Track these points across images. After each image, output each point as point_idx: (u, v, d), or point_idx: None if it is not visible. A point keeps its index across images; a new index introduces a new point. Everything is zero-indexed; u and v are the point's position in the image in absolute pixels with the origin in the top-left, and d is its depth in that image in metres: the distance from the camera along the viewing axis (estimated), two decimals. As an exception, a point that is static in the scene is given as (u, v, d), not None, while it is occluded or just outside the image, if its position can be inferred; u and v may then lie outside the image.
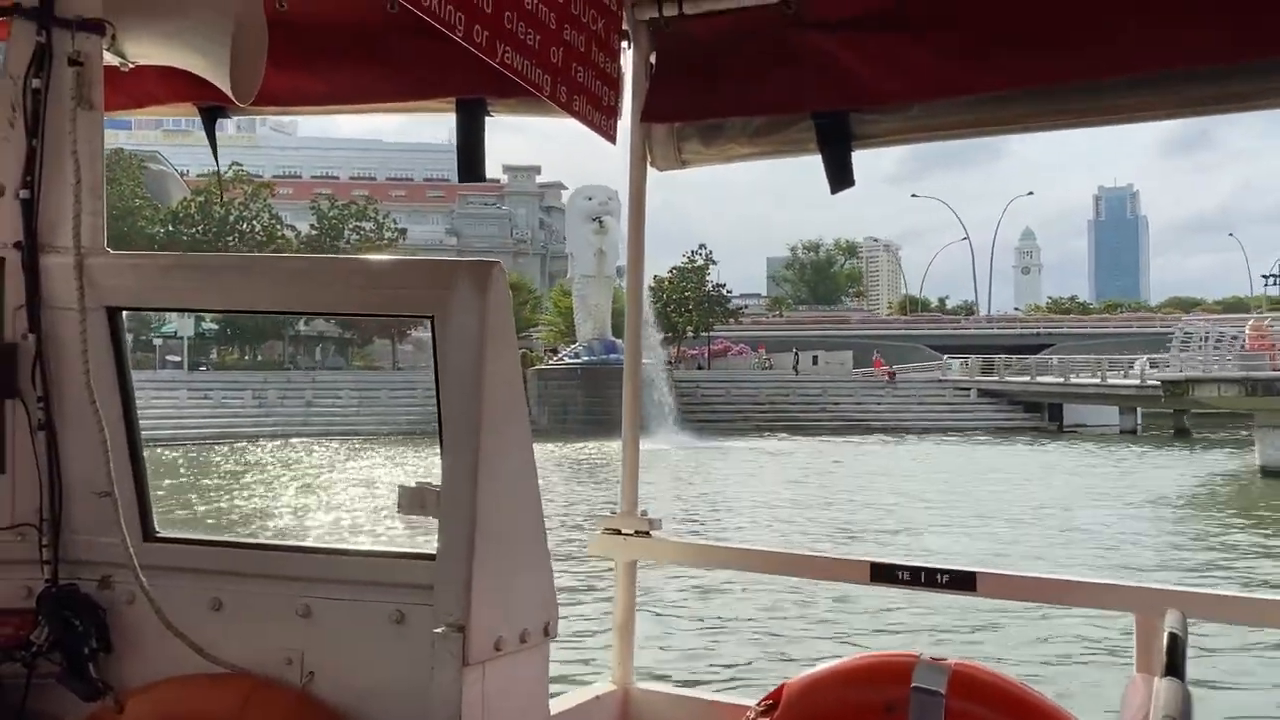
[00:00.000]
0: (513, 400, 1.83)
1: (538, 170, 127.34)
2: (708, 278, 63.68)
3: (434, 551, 1.77)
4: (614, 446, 37.55)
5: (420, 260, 1.84)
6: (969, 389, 51.26)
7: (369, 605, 1.86)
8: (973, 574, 2.07)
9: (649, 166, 2.31)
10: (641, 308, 2.41)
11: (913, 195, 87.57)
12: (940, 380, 53.10)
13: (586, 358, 46.76)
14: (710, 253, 64.34)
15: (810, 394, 51.40)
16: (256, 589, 1.91)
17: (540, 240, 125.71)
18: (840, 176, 2.08)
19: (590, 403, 44.73)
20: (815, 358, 60.02)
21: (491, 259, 1.84)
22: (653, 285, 67.87)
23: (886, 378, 54.17)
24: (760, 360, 62.29)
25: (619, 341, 47.45)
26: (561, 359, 48.58)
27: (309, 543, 2.04)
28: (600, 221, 47.92)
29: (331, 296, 1.89)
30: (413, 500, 1.80)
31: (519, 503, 1.85)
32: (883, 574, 2.16)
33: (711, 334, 62.81)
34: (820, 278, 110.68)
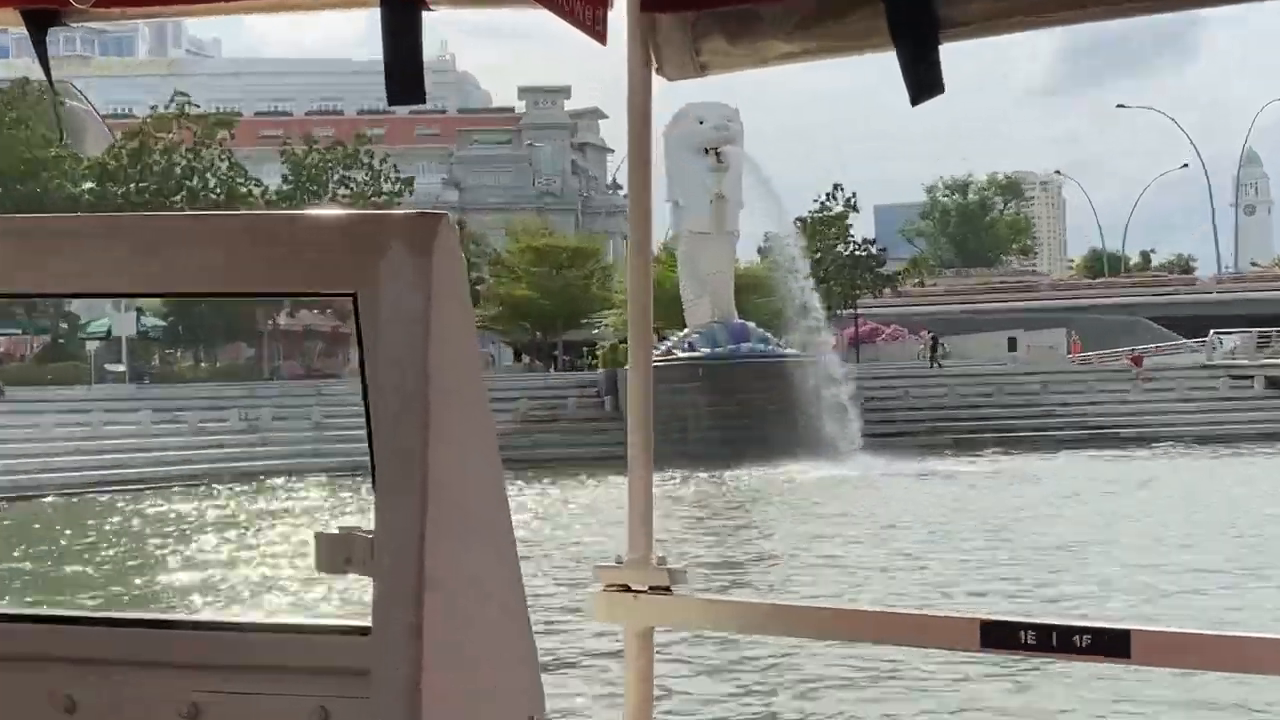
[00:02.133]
0: (471, 410, 1.88)
1: (566, 94, 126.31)
2: (850, 231, 62.66)
3: (369, 624, 1.79)
4: (780, 474, 37.11)
5: (336, 215, 1.87)
6: (1251, 377, 49.27)
7: (281, 701, 1.90)
8: (1125, 633, 2.15)
9: (653, 75, 2.37)
10: (650, 278, 2.43)
11: (1120, 106, 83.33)
12: (1206, 366, 51.17)
13: (706, 349, 45.28)
14: (854, 197, 63.09)
15: (1025, 392, 49.69)
16: (125, 681, 1.94)
17: (574, 188, 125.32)
18: (924, 80, 2.06)
19: (718, 412, 43.41)
20: (1013, 340, 58.46)
21: (438, 210, 1.85)
22: (762, 246, 66.85)
23: (1131, 365, 52.31)
24: (924, 347, 60.77)
25: (751, 325, 46.20)
26: (670, 352, 46.95)
27: (198, 615, 1.86)
28: (718, 154, 46.29)
29: (210, 270, 1.89)
30: (334, 552, 1.80)
31: (485, 551, 1.88)
32: (999, 636, 2.24)
33: (857, 310, 61.58)
34: (971, 229, 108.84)
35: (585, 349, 65.37)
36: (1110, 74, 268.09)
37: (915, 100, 2.08)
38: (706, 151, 46.74)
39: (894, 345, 63.19)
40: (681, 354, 46.34)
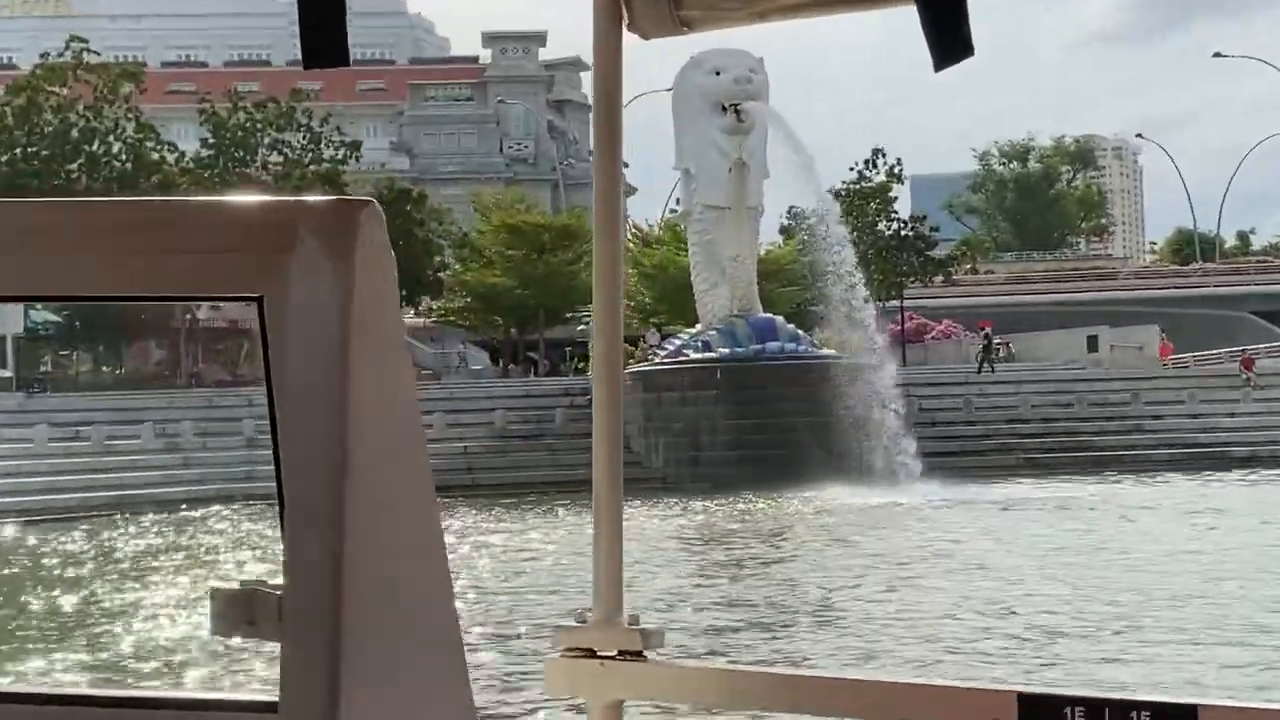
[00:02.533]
0: (401, 438, 1.93)
1: (540, 41, 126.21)
2: (894, 205, 62.62)
3: (275, 698, 1.83)
4: (817, 501, 36.94)
5: (237, 203, 1.91)
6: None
7: None
8: (1192, 708, 2.20)
9: (624, 31, 2.42)
10: (620, 272, 2.48)
11: (1216, 55, 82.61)
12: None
13: (725, 349, 45.10)
14: (898, 165, 62.97)
15: (1112, 402, 49.58)
16: None
17: (551, 155, 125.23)
18: (950, 40, 2.09)
19: (739, 426, 43.28)
20: (1093, 339, 58.39)
21: (361, 196, 1.91)
22: (785, 223, 66.83)
23: (1241, 369, 52.21)
24: (987, 348, 60.65)
25: (779, 320, 46.06)
26: (681, 352, 46.76)
27: (73, 689, 2.08)
28: (738, 112, 46.03)
29: (79, 270, 1.93)
30: (233, 611, 1.84)
31: (417, 607, 1.93)
32: (1040, 713, 2.28)
33: (903, 302, 61.50)
34: (1032, 204, 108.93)
35: (569, 349, 65.26)
36: (1200, 13, 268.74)
37: (939, 65, 2.13)
38: (724, 109, 46.44)
39: (946, 345, 63.03)
40: (694, 355, 46.15)
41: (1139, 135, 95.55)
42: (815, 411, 43.13)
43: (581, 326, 67.47)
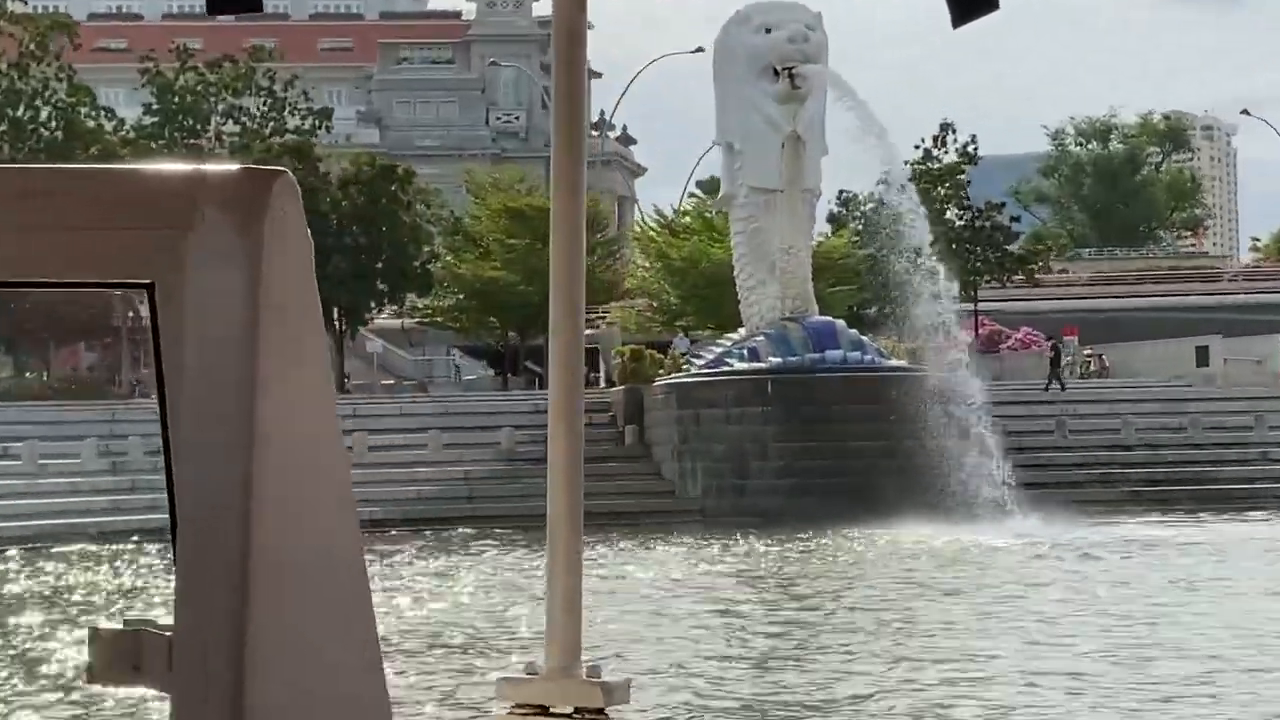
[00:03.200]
0: (317, 451, 1.97)
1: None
2: (965, 186, 62.35)
3: None
4: (890, 539, 36.52)
5: (127, 172, 1.94)
6: None
7: None
8: None
9: None
10: (582, 266, 2.61)
11: None
12: None
13: (776, 358, 44.77)
14: (972, 143, 62.69)
15: (1232, 426, 49.23)
16: None
17: (546, 128, 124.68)
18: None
19: (794, 449, 43.15)
20: (1203, 351, 58.08)
21: (274, 167, 1.97)
22: (834, 210, 66.50)
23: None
24: (1074, 357, 60.50)
25: (840, 324, 45.83)
26: (722, 361, 46.44)
27: None
28: (791, 77, 45.66)
29: None
30: (117, 656, 1.91)
31: (336, 652, 1.96)
32: None
33: (977, 305, 61.34)
34: (1114, 191, 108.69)
35: (546, 356, 64.49)
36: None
37: (959, 20, 2.23)
38: (776, 73, 46.09)
39: (1025, 357, 62.71)
40: (739, 364, 45.79)
41: (1244, 112, 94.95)
42: (885, 433, 42.79)
43: (595, 329, 67.21)
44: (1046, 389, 54.00)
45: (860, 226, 62.38)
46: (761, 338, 46.32)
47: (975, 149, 62.46)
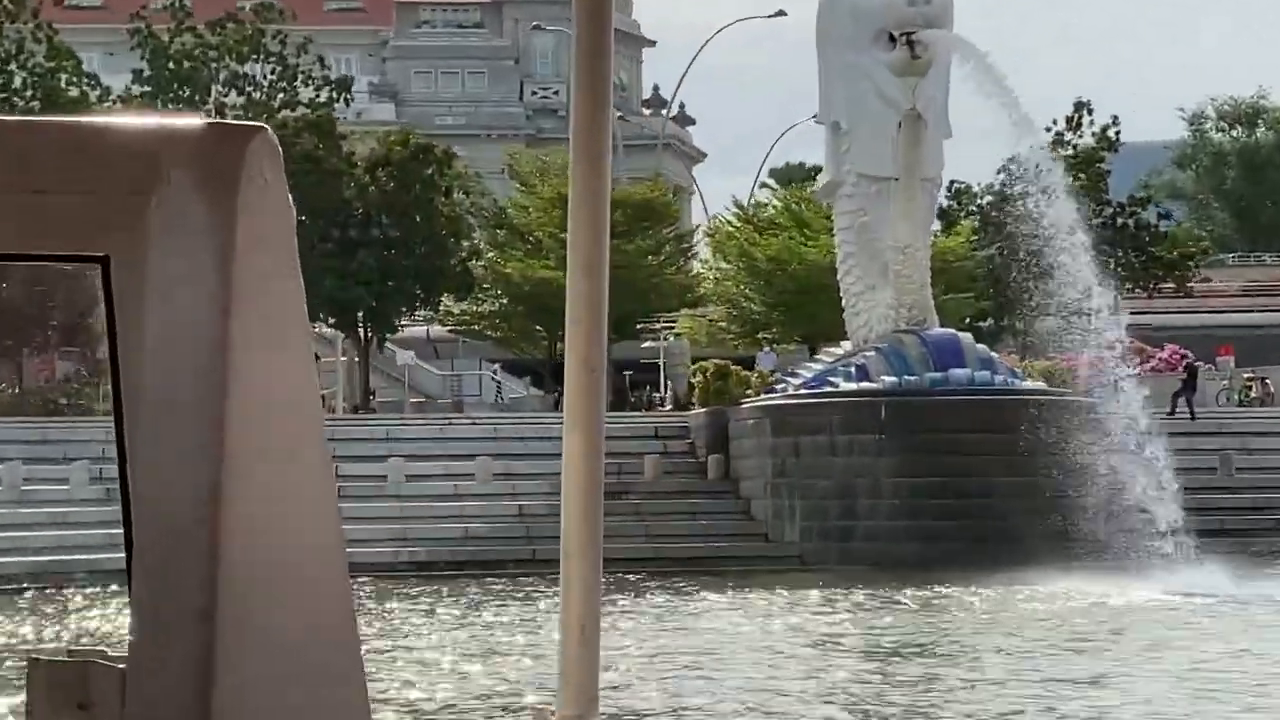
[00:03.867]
0: (299, 447, 2.03)
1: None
2: (1105, 176, 62.11)
3: None
4: (1040, 594, 36.16)
5: (76, 125, 2.01)
6: None
7: None
8: None
9: None
10: (605, 271, 2.72)
11: None
12: None
13: (890, 377, 44.58)
14: (1114, 125, 62.39)
15: None
16: None
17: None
18: None
19: (914, 485, 43.02)
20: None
21: (252, 123, 2.05)
22: (946, 201, 65.99)
23: None
24: (1231, 380, 60.03)
25: (966, 338, 45.62)
26: (826, 380, 46.19)
27: None
28: (910, 44, 45.36)
29: None
30: (58, 691, 1.96)
31: (319, 687, 2.04)
32: None
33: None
34: (1262, 187, 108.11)
35: (628, 374, 64.65)
36: None
37: None
38: (892, 39, 45.79)
39: (1172, 380, 62.18)
40: (846, 385, 45.49)
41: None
42: (1020, 467, 42.50)
43: (654, 342, 67.04)
44: (1171, 414, 53.61)
45: (976, 224, 62.04)
46: (872, 353, 46.02)
47: (1118, 133, 62.17)
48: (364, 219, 58.67)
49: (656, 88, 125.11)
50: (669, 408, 62.87)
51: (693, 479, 48.17)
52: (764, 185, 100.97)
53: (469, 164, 76.10)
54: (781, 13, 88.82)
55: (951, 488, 42.89)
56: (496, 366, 69.36)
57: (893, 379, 44.99)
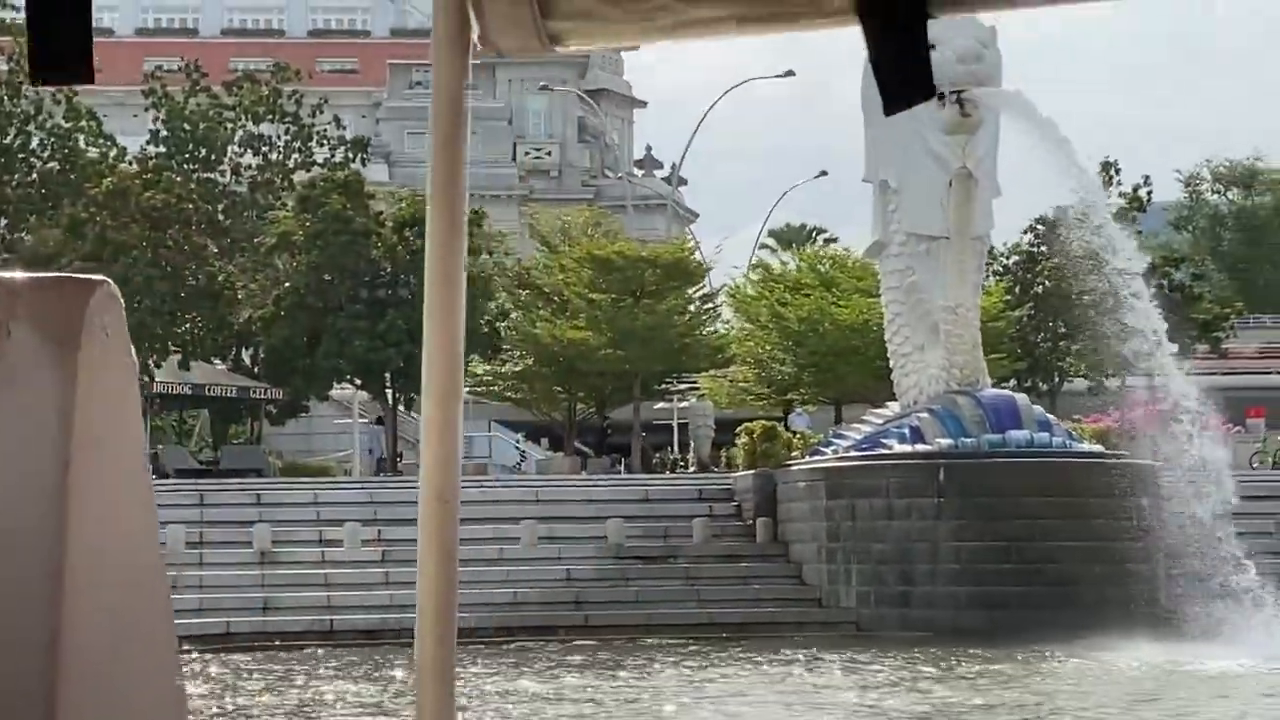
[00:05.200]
0: (139, 599, 2.05)
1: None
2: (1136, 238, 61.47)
3: None
4: (1108, 662, 35.38)
5: None
6: None
7: None
8: None
9: (473, 43, 2.65)
10: (459, 332, 2.61)
11: None
12: None
13: (945, 439, 43.75)
14: (1145, 184, 61.84)
15: None
16: None
17: (583, 166, 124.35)
18: (905, 75, 2.35)
19: (974, 550, 42.28)
20: None
21: (94, 276, 2.07)
22: (1002, 265, 65.70)
23: None
24: (1265, 443, 59.53)
25: (1022, 399, 44.92)
26: (879, 443, 45.41)
27: None
28: (962, 103, 44.64)
29: None
30: None
31: None
32: None
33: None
34: (1260, 249, 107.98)
35: (622, 433, 63.89)
36: None
37: (891, 108, 2.36)
38: (942, 97, 45.00)
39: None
40: (900, 446, 44.64)
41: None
42: (1086, 531, 41.70)
43: (671, 402, 66.19)
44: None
45: (1008, 283, 61.50)
46: (925, 414, 45.09)
47: (1149, 192, 61.71)
48: (393, 279, 57.79)
49: (649, 148, 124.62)
50: (692, 470, 62.11)
51: (741, 542, 47.25)
52: (764, 245, 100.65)
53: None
54: (790, 73, 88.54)
55: (1014, 552, 42.03)
56: (520, 436, 68.51)
57: (948, 441, 44.07)
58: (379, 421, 64.80)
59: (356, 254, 56.52)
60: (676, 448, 68.41)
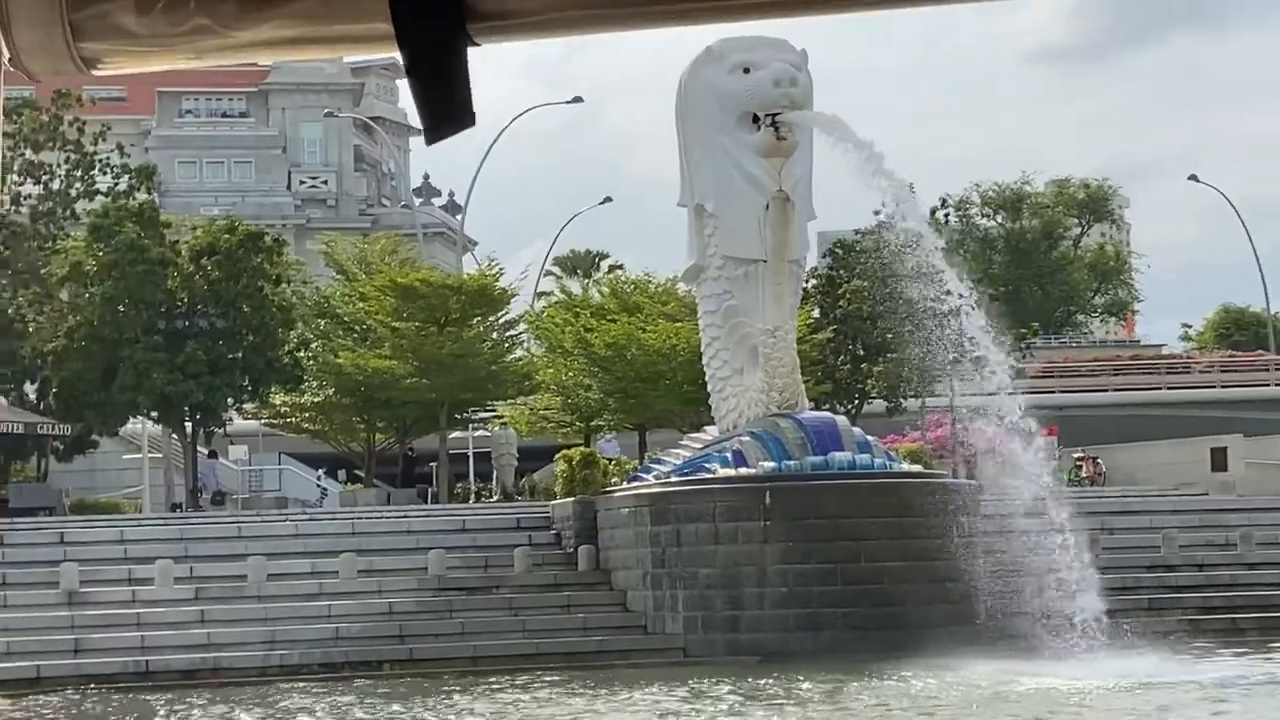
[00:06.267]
0: None
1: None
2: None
3: None
4: (940, 678, 35.47)
5: None
6: None
7: None
8: None
9: (2, 70, 2.76)
10: None
11: None
12: None
13: (769, 462, 43.60)
14: (943, 207, 62.35)
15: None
16: None
17: (361, 194, 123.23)
18: (449, 105, 2.48)
19: (803, 572, 42.21)
20: (1220, 453, 58.21)
21: None
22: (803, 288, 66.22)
23: None
24: (1059, 461, 60.28)
25: (843, 421, 45.04)
26: (701, 467, 45.17)
27: None
28: (777, 126, 44.68)
29: None
30: None
31: None
32: None
33: (927, 399, 61.53)
34: (1029, 271, 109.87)
35: (431, 465, 63.21)
36: (1176, 24, 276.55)
37: (431, 137, 2.46)
38: (756, 120, 45.03)
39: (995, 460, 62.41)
40: (724, 470, 44.37)
41: (1192, 178, 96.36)
42: (910, 552, 41.87)
43: (456, 433, 65.53)
44: None
45: (808, 307, 61.81)
46: (747, 437, 44.77)
47: (947, 215, 62.32)
48: (190, 309, 56.55)
49: (427, 176, 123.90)
50: (496, 498, 61.54)
51: (563, 571, 46.73)
52: (549, 272, 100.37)
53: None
54: (578, 99, 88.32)
55: (840, 574, 41.93)
56: (320, 472, 67.38)
57: (772, 464, 43.83)
58: (212, 455, 63.41)
59: (153, 284, 55.17)
60: (473, 476, 67.77)
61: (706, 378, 47.60)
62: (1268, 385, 79.89)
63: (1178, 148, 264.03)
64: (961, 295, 43.70)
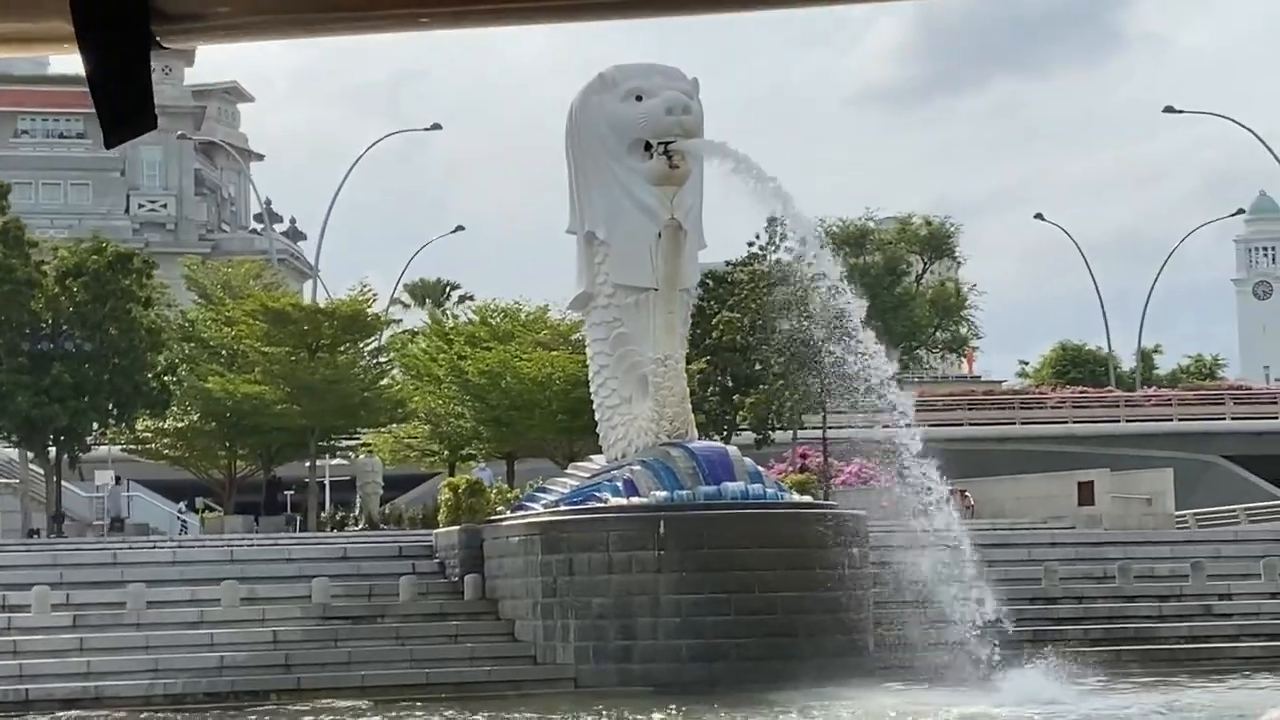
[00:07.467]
0: None
1: (188, 58, 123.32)
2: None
3: None
4: (838, 710, 35.50)
5: None
6: None
7: None
8: None
9: None
10: None
11: (1169, 109, 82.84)
12: None
13: (661, 492, 43.48)
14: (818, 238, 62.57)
15: (1163, 576, 50.09)
16: None
17: (201, 219, 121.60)
18: (129, 107, 2.46)
19: (696, 602, 42.23)
20: (1086, 487, 59.01)
21: None
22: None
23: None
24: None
25: (734, 451, 45.03)
26: (593, 496, 44.89)
27: None
28: (669, 154, 44.63)
29: None
30: None
31: None
32: None
33: (825, 430, 61.76)
34: (874, 306, 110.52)
35: (287, 492, 62.49)
36: (992, 67, 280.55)
37: (111, 140, 2.48)
38: (648, 148, 44.90)
39: (865, 493, 62.65)
40: (615, 499, 44.09)
41: (1038, 216, 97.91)
42: (802, 582, 41.89)
43: (352, 457, 64.89)
44: None
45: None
46: (639, 466, 44.50)
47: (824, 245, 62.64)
48: (55, 331, 55.39)
49: (269, 202, 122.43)
50: (361, 526, 60.80)
51: (449, 600, 46.17)
52: (397, 300, 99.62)
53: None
54: (437, 126, 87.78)
55: (733, 604, 41.81)
56: (183, 505, 66.09)
57: (664, 493, 43.65)
58: (118, 481, 62.06)
59: (19, 305, 54.00)
60: (330, 504, 66.96)
61: (594, 406, 47.26)
62: (1118, 421, 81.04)
63: (1011, 185, 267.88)
64: (851, 326, 43.89)
